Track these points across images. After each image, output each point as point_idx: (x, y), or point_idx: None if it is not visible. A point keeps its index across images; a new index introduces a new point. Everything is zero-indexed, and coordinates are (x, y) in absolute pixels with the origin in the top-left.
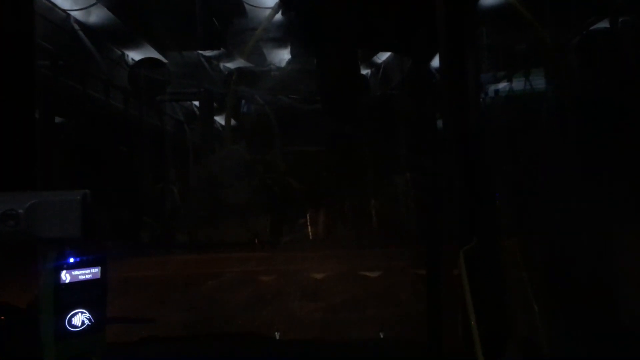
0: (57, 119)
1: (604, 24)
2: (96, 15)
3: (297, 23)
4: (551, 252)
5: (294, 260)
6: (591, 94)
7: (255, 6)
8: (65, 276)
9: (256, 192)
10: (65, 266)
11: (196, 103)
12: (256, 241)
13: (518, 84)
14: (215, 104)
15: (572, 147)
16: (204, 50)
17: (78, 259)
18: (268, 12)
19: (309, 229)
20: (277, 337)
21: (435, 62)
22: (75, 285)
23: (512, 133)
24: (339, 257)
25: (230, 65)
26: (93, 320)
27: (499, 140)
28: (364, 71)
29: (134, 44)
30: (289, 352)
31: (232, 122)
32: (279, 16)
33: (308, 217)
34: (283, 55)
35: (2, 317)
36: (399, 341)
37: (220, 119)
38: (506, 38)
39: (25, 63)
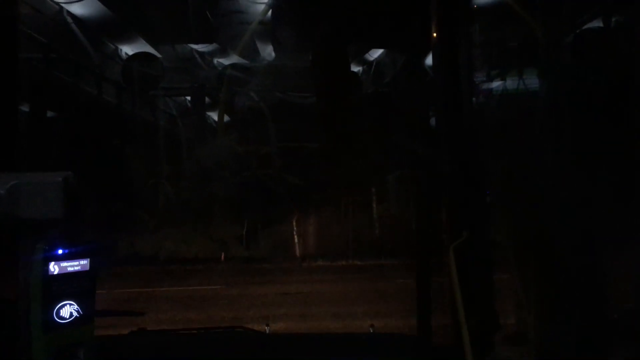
0: (50, 113)
1: (598, 22)
2: (90, 9)
3: (290, 19)
4: (541, 248)
5: (259, 312)
6: (584, 91)
7: (249, 1)
8: (54, 268)
9: (233, 192)
10: (53, 258)
11: (190, 98)
12: (222, 257)
13: (511, 81)
14: (209, 99)
15: (565, 144)
16: (198, 44)
17: (67, 251)
18: (262, 7)
19: (295, 239)
20: (267, 331)
21: (429, 59)
22: (64, 277)
23: (505, 130)
24: (337, 299)
25: (224, 60)
26: (81, 312)
27: (492, 137)
28: (356, 68)
29: (128, 38)
30: (279, 346)
31: (226, 117)
32: (273, 11)
33: (294, 224)
34: (277, 52)
35: None
36: (389, 335)
37: (214, 115)
38: (500, 35)
39: (6, 47)
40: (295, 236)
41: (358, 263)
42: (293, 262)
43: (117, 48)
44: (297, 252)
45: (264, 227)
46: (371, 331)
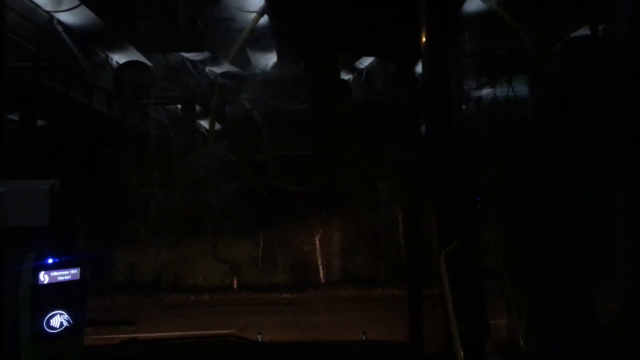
0: (40, 122)
1: (585, 31)
2: (80, 17)
3: (282, 28)
4: (530, 254)
5: None
6: (572, 99)
7: (240, 10)
8: (44, 277)
9: (242, 204)
10: (44, 267)
11: (181, 106)
12: (234, 283)
13: (500, 89)
14: (200, 108)
15: (554, 151)
16: (188, 52)
17: (57, 260)
18: (253, 15)
19: (319, 261)
20: (259, 339)
21: (419, 67)
22: (54, 286)
23: (495, 137)
24: None
25: (216, 69)
26: (72, 322)
27: (482, 144)
28: (347, 76)
29: (119, 47)
30: (271, 355)
31: (217, 125)
32: (263, 20)
33: (317, 243)
34: (268, 60)
35: None
36: (381, 342)
37: (206, 123)
38: (489, 44)
39: None
40: (319, 257)
41: (397, 292)
42: (317, 290)
43: (107, 57)
44: (322, 277)
45: (281, 247)
46: (364, 339)
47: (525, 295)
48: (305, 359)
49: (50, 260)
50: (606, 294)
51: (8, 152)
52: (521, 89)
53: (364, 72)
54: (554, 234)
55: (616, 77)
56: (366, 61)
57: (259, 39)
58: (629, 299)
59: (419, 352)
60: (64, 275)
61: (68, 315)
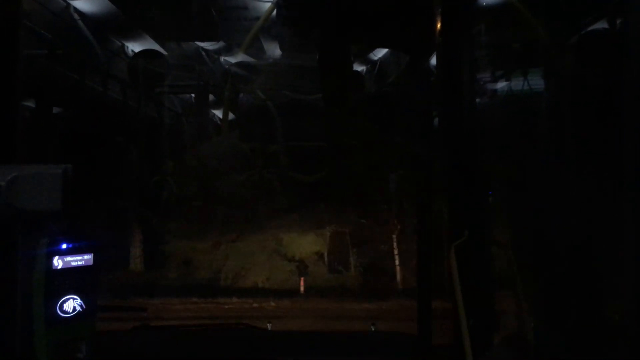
0: (55, 109)
1: (603, 24)
2: (96, 5)
3: (295, 17)
4: (540, 248)
5: None
6: (588, 93)
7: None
8: (58, 262)
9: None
10: (57, 252)
11: (195, 95)
12: (301, 286)
13: (515, 82)
14: (214, 97)
15: (568, 146)
16: (203, 42)
17: (70, 245)
18: (268, 5)
19: (397, 262)
20: (269, 328)
21: (433, 59)
22: (67, 271)
23: (509, 130)
24: None
25: (230, 58)
26: (84, 307)
27: (496, 137)
28: (360, 67)
29: (134, 35)
30: (281, 343)
31: (231, 115)
32: (277, 9)
33: (395, 241)
34: (282, 50)
35: None
36: (390, 333)
37: (219, 113)
38: (504, 36)
39: (8, 41)
40: (397, 257)
41: (507, 303)
42: (400, 299)
43: (123, 45)
44: (399, 282)
45: (354, 244)
46: (372, 330)
47: (534, 289)
48: (315, 348)
49: (64, 246)
50: (616, 290)
51: (20, 138)
52: (536, 82)
53: (377, 63)
54: (565, 229)
55: (627, 71)
56: (380, 53)
57: (272, 29)
58: (636, 296)
59: (427, 343)
60: (77, 260)
61: (81, 300)
